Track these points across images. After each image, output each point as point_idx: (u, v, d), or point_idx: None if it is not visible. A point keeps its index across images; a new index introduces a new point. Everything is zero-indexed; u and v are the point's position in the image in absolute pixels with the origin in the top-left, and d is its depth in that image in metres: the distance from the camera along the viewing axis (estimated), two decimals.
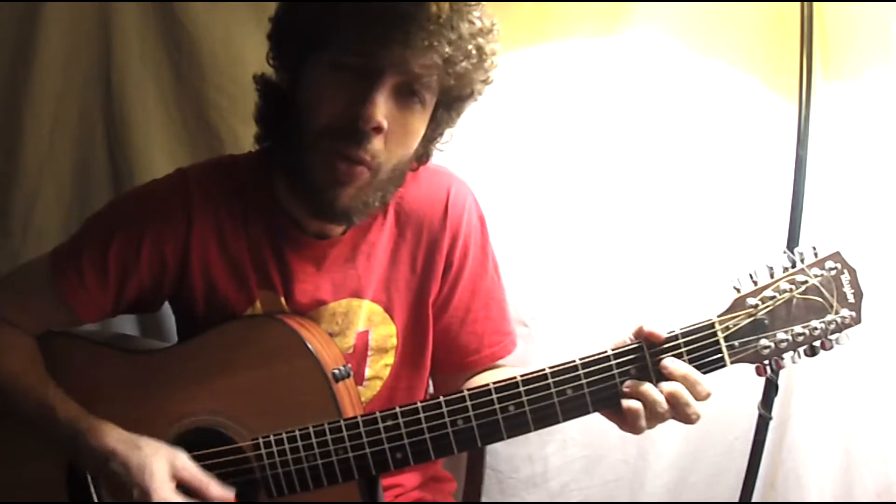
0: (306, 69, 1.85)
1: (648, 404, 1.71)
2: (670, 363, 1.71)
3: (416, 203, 2.09)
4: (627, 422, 1.74)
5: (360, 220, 1.96)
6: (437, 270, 2.11)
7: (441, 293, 2.13)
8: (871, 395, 2.63)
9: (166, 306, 2.14)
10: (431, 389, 2.30)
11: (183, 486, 1.84)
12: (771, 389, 2.55)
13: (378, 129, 1.77)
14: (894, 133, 2.53)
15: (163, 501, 1.80)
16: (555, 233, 2.69)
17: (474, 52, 1.81)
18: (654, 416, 1.72)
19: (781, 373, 2.54)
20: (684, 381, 1.70)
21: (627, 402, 1.72)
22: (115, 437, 1.86)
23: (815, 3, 2.46)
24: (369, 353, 2.09)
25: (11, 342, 2.00)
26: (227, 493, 1.86)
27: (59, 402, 1.91)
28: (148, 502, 1.80)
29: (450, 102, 1.92)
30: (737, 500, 2.67)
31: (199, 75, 2.63)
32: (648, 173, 2.67)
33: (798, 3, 2.46)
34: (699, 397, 1.71)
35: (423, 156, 2.00)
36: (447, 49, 1.75)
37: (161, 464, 1.82)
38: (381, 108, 1.76)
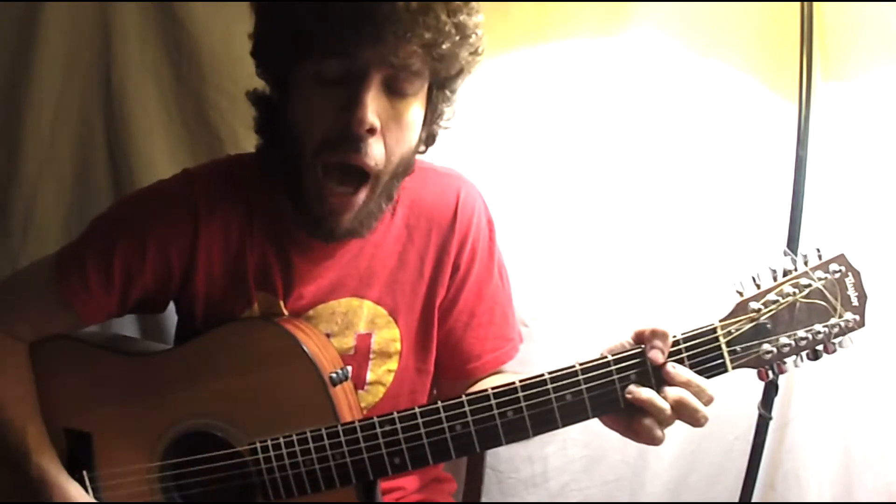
0: (292, 83, 1.84)
1: (654, 412, 1.69)
2: (672, 369, 1.69)
3: (425, 206, 2.09)
4: (641, 436, 1.72)
5: (369, 232, 1.95)
6: (444, 275, 2.10)
7: (447, 296, 2.13)
8: (870, 396, 2.63)
9: (169, 307, 2.14)
10: None
11: None
12: (771, 390, 2.55)
13: (372, 131, 1.76)
14: (894, 133, 2.52)
15: None
16: (555, 233, 2.69)
17: (454, 31, 1.76)
18: (660, 422, 1.72)
19: None
20: (688, 386, 1.69)
21: (641, 420, 1.70)
22: None
23: (815, 3, 2.45)
24: (371, 356, 2.08)
25: (7, 364, 2.00)
26: None
27: (35, 447, 1.92)
28: None
29: (441, 82, 1.89)
30: (737, 500, 2.68)
31: (199, 75, 2.63)
32: (648, 173, 2.67)
33: (798, 3, 2.45)
34: (704, 402, 1.70)
35: (429, 137, 1.98)
36: (426, 35, 1.72)
37: None
38: (372, 108, 1.74)
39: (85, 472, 1.96)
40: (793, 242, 2.50)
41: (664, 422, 1.70)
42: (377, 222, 1.96)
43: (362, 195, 1.83)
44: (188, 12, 2.59)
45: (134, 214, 2.02)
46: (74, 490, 1.89)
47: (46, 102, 2.58)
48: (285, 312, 2.02)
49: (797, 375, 2.69)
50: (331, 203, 1.82)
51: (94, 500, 1.89)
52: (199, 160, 2.17)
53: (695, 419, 1.69)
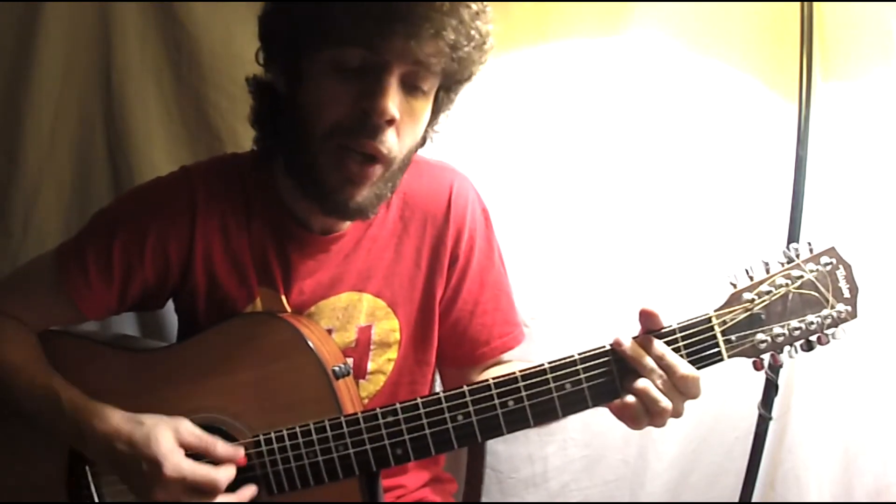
0: (305, 69, 1.85)
1: (648, 402, 1.70)
2: (650, 341, 1.72)
3: (419, 199, 2.11)
4: (627, 417, 1.74)
5: (374, 214, 1.96)
6: (442, 266, 2.12)
7: (448, 288, 2.14)
8: (870, 396, 2.63)
9: (168, 306, 2.15)
10: (438, 385, 2.32)
11: (190, 452, 1.84)
12: (771, 389, 2.55)
13: (391, 121, 1.78)
14: (894, 133, 2.53)
15: (174, 468, 1.79)
16: (555, 232, 2.69)
17: (475, 34, 1.81)
18: (655, 414, 1.72)
19: (781, 372, 2.54)
20: (660, 360, 1.71)
21: (625, 399, 1.72)
22: (118, 417, 1.85)
23: (815, 3, 2.46)
24: (372, 347, 2.09)
25: (14, 335, 2.00)
26: (236, 451, 1.86)
27: (62, 390, 1.90)
28: (158, 472, 1.79)
29: (450, 86, 1.93)
30: (737, 500, 2.67)
31: (199, 75, 2.63)
32: (649, 173, 2.67)
33: (798, 3, 2.46)
34: (679, 381, 1.71)
35: (423, 139, 2.00)
36: (452, 36, 1.76)
37: (166, 432, 1.82)
38: (392, 100, 1.77)
39: (88, 468, 1.96)
40: (793, 242, 2.49)
41: (657, 413, 1.71)
42: (379, 207, 1.97)
43: (378, 169, 1.84)
44: (188, 12, 2.59)
45: (132, 209, 2.04)
46: (110, 411, 1.87)
47: (46, 102, 2.57)
48: (287, 307, 2.03)
49: (797, 376, 2.70)
50: (350, 171, 1.83)
51: (133, 415, 1.87)
52: (199, 160, 2.17)
53: (656, 410, 1.71)
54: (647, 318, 1.75)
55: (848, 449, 2.69)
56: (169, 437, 1.81)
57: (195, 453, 1.84)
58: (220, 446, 1.85)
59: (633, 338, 1.74)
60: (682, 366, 1.70)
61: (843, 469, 2.70)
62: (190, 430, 1.85)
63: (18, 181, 2.59)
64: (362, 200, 1.87)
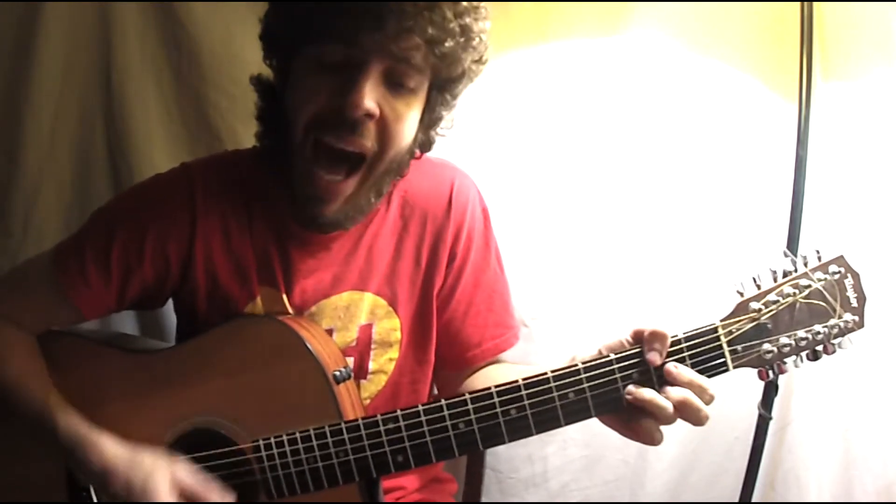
0: (293, 70, 1.86)
1: (655, 412, 1.69)
2: (674, 369, 1.69)
3: (420, 196, 2.10)
4: (641, 436, 1.73)
5: (353, 226, 1.97)
6: (440, 262, 2.11)
7: (445, 285, 2.13)
8: (870, 396, 2.63)
9: (168, 306, 2.14)
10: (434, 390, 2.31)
11: (185, 495, 1.84)
12: (771, 390, 2.55)
13: (370, 115, 1.77)
14: (894, 133, 2.52)
15: None
16: (555, 233, 2.69)
17: (458, 30, 1.79)
18: (661, 421, 1.71)
19: None
20: (690, 386, 1.68)
21: (640, 421, 1.71)
22: (114, 453, 1.85)
23: (815, 3, 2.46)
24: (373, 346, 2.09)
25: (13, 344, 1.99)
26: (228, 498, 1.86)
27: (59, 412, 1.90)
28: None
29: (441, 84, 1.91)
30: (737, 500, 2.68)
31: (199, 75, 2.63)
32: (648, 173, 2.67)
33: (798, 3, 2.46)
34: (705, 402, 1.69)
35: (425, 143, 1.99)
36: (429, 30, 1.74)
37: (163, 479, 1.82)
38: (370, 95, 1.76)
39: None
40: (793, 242, 2.50)
41: (665, 421, 1.70)
42: (364, 217, 1.99)
43: (352, 183, 1.84)
44: (188, 12, 2.59)
45: (132, 207, 2.03)
46: (107, 443, 1.86)
47: (46, 102, 2.57)
48: (288, 306, 2.03)
49: (797, 376, 2.69)
50: (317, 188, 1.84)
51: (128, 449, 1.86)
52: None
53: (697, 418, 1.69)
54: (651, 336, 1.73)
55: (848, 449, 2.69)
56: (165, 484, 1.82)
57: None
58: (215, 495, 1.85)
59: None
60: (709, 386, 1.70)
61: (843, 469, 2.70)
62: (186, 475, 1.85)
63: (18, 181, 2.60)
64: (334, 216, 1.88)
